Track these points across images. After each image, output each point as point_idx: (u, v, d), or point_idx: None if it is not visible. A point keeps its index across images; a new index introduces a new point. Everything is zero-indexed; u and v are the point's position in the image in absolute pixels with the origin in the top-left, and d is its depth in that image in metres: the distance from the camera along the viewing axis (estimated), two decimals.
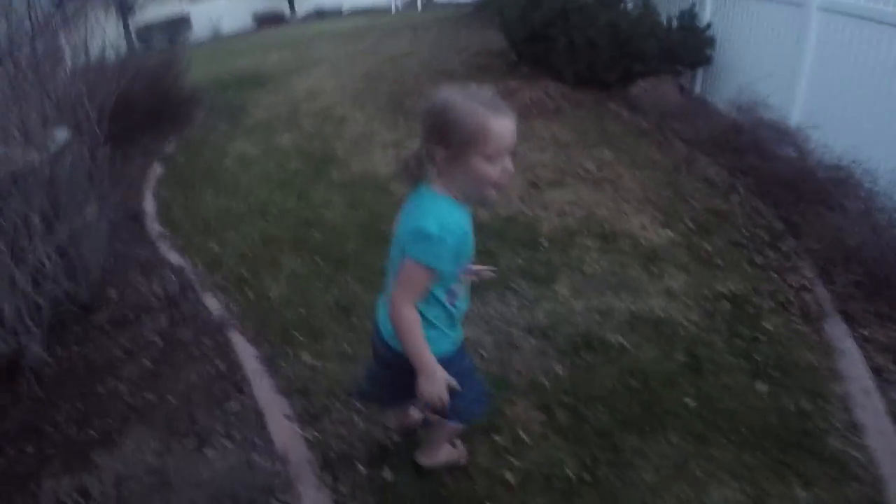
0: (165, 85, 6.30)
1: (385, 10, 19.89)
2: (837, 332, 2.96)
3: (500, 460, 2.11)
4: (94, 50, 5.59)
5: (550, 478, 2.05)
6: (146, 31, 18.15)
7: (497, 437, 2.19)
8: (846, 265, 3.23)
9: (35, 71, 2.57)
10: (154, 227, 4.01)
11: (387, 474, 2.04)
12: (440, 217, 1.42)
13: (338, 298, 3.05)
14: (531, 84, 6.22)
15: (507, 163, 1.42)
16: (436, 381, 1.50)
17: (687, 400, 2.42)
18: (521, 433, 2.21)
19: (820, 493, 2.09)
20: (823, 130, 4.11)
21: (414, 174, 1.50)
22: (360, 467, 2.07)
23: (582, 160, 4.63)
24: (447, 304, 1.58)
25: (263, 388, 2.43)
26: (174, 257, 3.56)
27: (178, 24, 19.95)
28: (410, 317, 1.47)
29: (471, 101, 1.39)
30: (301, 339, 2.75)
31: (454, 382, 1.53)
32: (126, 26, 18.15)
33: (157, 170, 5.05)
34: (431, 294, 1.54)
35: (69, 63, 3.49)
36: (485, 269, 1.76)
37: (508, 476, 2.05)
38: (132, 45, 14.32)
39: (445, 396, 1.52)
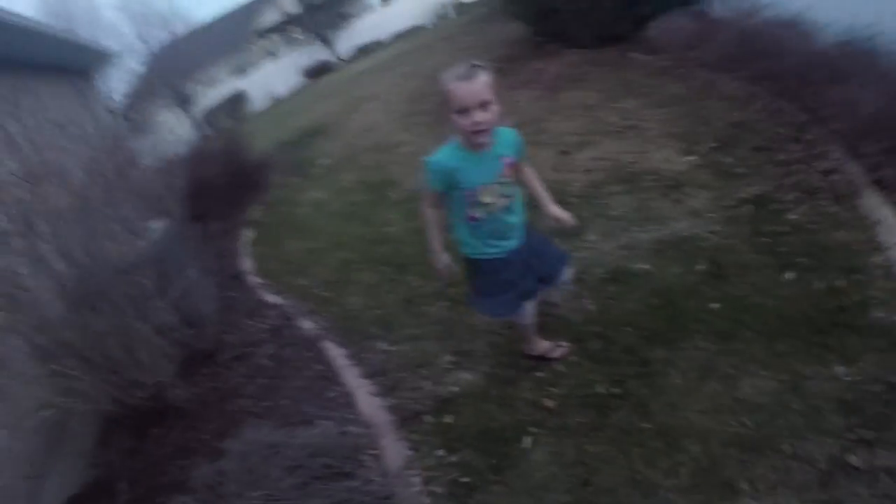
0: (236, 159, 7.09)
1: (421, 27, 20.40)
2: (872, 203, 2.88)
3: (541, 391, 2.47)
4: (167, 145, 6.61)
5: (585, 398, 2.37)
6: (210, 115, 20.05)
7: (538, 374, 2.56)
8: (875, 136, 3.12)
9: (122, 177, 3.33)
10: (253, 280, 4.75)
11: (448, 419, 2.49)
12: (434, 155, 2.11)
13: (403, 295, 3.55)
14: (555, 60, 6.40)
15: (476, 115, 1.96)
16: (435, 260, 2.32)
17: (711, 305, 2.59)
18: (557, 366, 2.56)
19: (865, 366, 2.09)
20: (824, 9, 4.04)
21: None
22: (429, 418, 2.54)
23: (606, 116, 4.81)
24: (467, 221, 2.20)
25: (352, 377, 2.98)
26: (272, 298, 4.25)
27: (237, 100, 21.78)
28: (425, 213, 2.26)
29: (447, 75, 1.98)
30: (377, 332, 3.27)
31: (448, 269, 2.32)
32: (190, 116, 20.30)
33: (247, 235, 5.87)
34: (455, 210, 2.20)
35: (148, 163, 4.32)
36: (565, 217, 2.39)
37: (548, 403, 2.40)
38: (200, 131, 16.02)
39: (441, 271, 2.31)
